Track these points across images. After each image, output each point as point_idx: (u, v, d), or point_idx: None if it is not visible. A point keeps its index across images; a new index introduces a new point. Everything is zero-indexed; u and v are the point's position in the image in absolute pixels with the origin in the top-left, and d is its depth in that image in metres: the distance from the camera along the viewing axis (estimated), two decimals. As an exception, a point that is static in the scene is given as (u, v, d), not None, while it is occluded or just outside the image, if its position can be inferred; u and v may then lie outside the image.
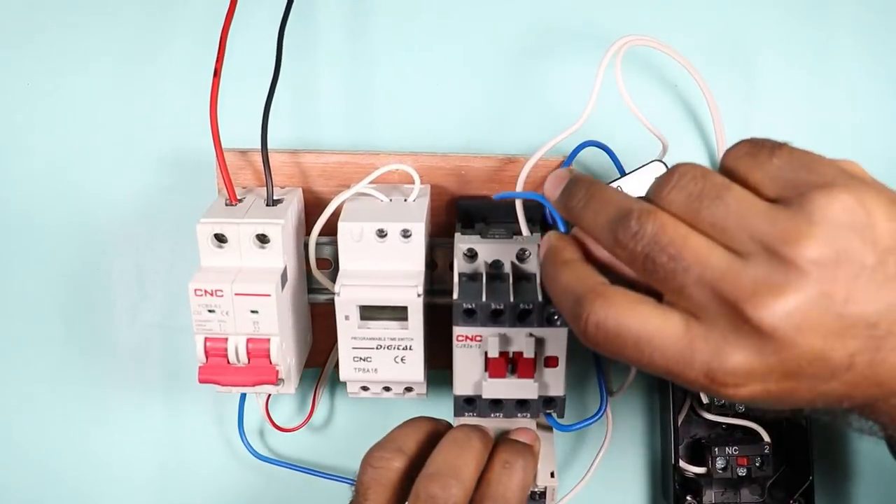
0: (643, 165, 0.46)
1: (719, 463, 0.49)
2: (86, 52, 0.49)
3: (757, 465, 0.49)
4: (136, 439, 0.51)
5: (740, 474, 0.49)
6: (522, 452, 0.41)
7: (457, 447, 0.40)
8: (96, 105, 0.49)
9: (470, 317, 0.40)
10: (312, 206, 0.48)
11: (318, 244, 0.45)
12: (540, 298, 0.39)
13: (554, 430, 0.45)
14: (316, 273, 0.46)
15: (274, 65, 0.45)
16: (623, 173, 0.47)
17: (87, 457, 0.50)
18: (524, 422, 0.43)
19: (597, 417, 0.45)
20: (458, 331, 0.40)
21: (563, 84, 0.49)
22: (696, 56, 0.47)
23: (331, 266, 0.48)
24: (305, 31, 0.48)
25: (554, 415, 0.43)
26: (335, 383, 0.51)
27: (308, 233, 0.47)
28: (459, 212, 0.47)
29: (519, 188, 0.45)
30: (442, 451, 0.40)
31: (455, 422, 0.43)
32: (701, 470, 0.49)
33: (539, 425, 0.45)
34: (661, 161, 0.46)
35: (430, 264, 0.46)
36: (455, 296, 0.40)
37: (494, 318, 0.40)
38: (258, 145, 0.45)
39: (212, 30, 0.44)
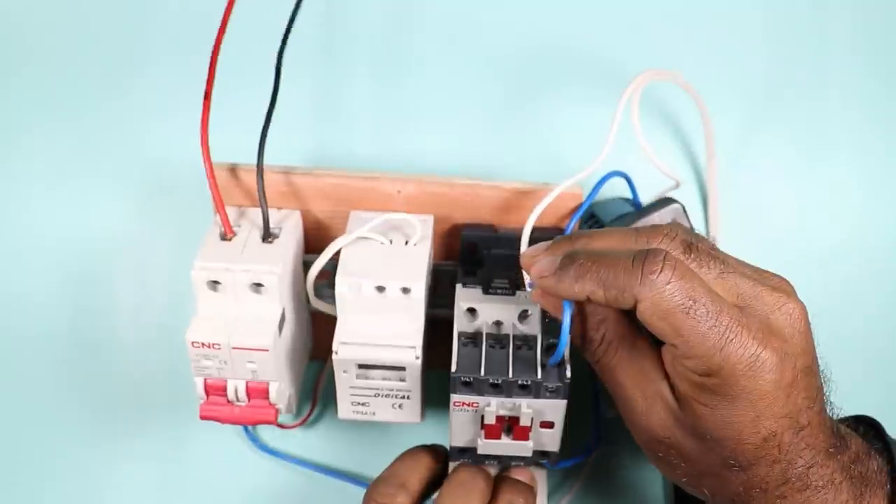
0: (660, 205, 0.44)
1: None
2: (88, 55, 0.47)
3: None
4: (140, 438, 0.52)
5: None
6: (524, 493, 0.42)
7: (463, 490, 0.41)
8: (98, 108, 0.47)
9: (467, 387, 0.40)
10: (310, 221, 0.46)
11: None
12: (539, 376, 0.39)
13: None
14: (315, 304, 0.45)
15: (272, 92, 0.41)
16: (639, 207, 0.45)
17: (92, 455, 0.52)
18: (519, 461, 0.44)
19: (589, 454, 0.45)
20: (455, 398, 0.40)
21: (574, 117, 0.46)
22: (706, 95, 0.44)
23: (330, 276, 0.46)
24: (310, 47, 0.44)
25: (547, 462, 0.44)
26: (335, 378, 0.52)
27: (307, 250, 0.46)
28: (463, 244, 0.45)
29: (529, 224, 0.42)
30: (450, 495, 0.41)
31: (451, 464, 0.44)
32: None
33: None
34: (677, 202, 0.44)
35: (432, 286, 0.45)
36: (453, 368, 0.39)
37: (493, 388, 0.40)
38: (248, 159, 0.43)
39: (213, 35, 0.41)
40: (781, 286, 0.35)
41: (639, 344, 0.37)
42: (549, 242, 0.38)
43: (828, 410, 0.36)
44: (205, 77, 0.43)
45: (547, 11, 0.47)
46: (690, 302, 0.32)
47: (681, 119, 0.48)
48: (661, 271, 0.33)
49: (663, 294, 0.32)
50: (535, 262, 0.37)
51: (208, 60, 0.41)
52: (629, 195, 0.46)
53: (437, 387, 0.46)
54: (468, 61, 0.46)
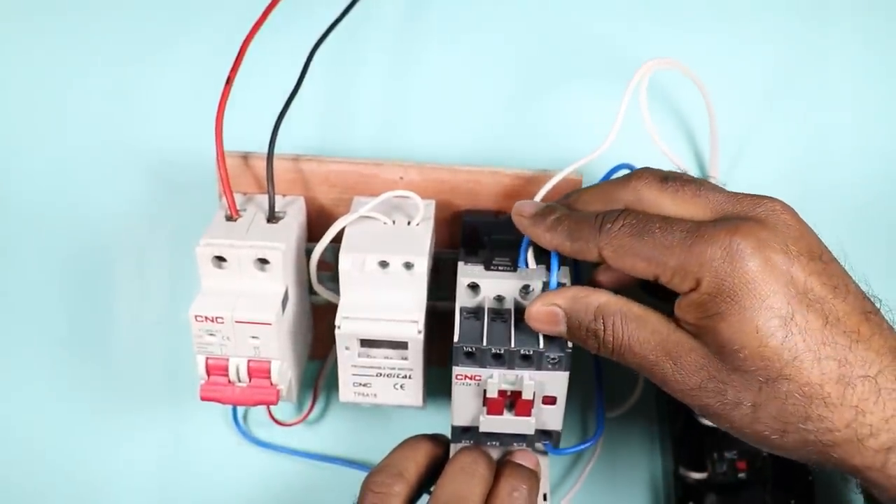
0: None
1: (719, 467, 0.49)
2: (90, 51, 0.48)
3: (757, 467, 0.49)
4: (140, 436, 0.52)
5: (741, 478, 0.49)
6: (528, 478, 0.42)
7: (465, 475, 0.41)
8: (99, 104, 0.48)
9: (470, 358, 0.40)
10: (314, 208, 0.47)
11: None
12: (541, 346, 0.39)
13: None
14: (318, 288, 0.45)
15: (296, 82, 0.43)
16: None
17: (92, 454, 0.51)
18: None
19: (593, 441, 0.45)
20: (457, 370, 0.40)
21: (581, 104, 0.47)
22: (709, 83, 0.45)
23: (332, 267, 0.47)
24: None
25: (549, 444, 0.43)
26: (335, 375, 0.52)
27: (310, 239, 0.47)
28: (465, 229, 0.45)
29: None
30: (451, 480, 0.41)
31: (452, 447, 0.44)
32: (701, 476, 0.50)
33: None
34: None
35: (433, 270, 0.46)
36: (456, 338, 0.39)
37: (495, 359, 0.40)
38: (257, 147, 0.44)
39: (222, 31, 0.43)
40: (766, 196, 0.37)
41: (636, 310, 0.37)
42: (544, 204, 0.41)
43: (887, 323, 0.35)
44: (213, 67, 0.44)
45: (553, 2, 0.48)
46: (643, 227, 0.36)
47: (684, 112, 0.48)
48: (615, 220, 0.37)
49: (620, 235, 0.36)
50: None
51: (237, 47, 0.42)
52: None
53: (437, 385, 0.46)
54: (474, 51, 0.47)
